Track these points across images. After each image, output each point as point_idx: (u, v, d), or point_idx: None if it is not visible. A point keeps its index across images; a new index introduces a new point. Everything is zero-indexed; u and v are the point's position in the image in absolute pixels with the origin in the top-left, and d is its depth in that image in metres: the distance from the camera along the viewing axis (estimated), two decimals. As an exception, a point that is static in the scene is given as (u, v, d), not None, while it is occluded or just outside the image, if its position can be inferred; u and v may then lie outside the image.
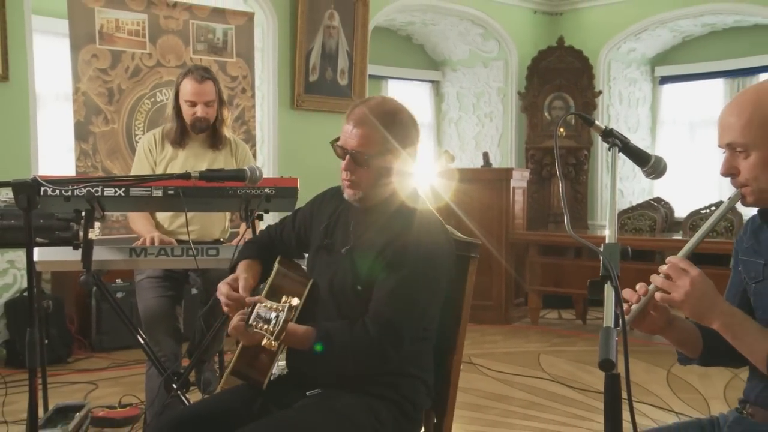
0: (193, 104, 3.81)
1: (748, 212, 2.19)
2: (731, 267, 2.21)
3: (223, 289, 2.45)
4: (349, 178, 2.43)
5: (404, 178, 2.47)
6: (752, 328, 1.91)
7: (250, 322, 2.19)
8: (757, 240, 2.08)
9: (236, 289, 2.46)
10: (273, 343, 2.13)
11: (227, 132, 4.00)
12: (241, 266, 2.60)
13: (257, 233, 3.26)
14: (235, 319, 2.27)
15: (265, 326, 2.15)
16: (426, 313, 2.37)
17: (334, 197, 2.61)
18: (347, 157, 2.40)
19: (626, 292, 1.92)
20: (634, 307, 1.90)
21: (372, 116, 2.39)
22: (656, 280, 1.89)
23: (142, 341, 3.54)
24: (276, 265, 2.56)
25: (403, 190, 2.48)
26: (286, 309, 2.13)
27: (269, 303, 2.20)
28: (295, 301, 2.18)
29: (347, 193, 2.46)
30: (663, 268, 1.89)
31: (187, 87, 3.80)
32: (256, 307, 2.21)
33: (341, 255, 2.46)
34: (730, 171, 1.95)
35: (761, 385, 2.02)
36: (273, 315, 2.15)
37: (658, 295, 1.89)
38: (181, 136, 3.89)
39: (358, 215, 2.51)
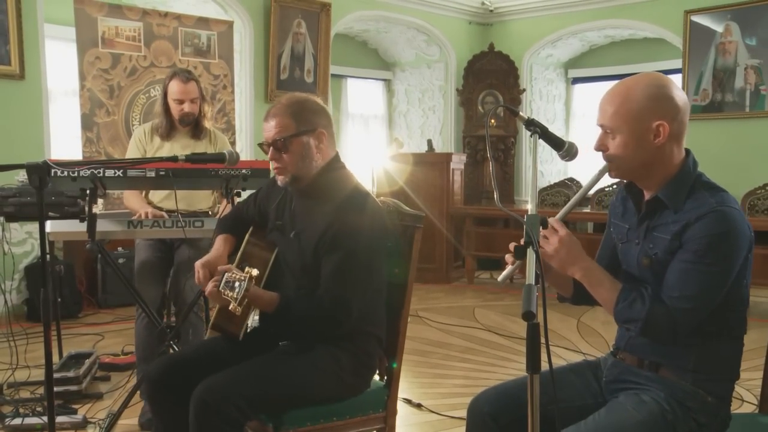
0: (181, 102, 3.75)
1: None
2: (607, 228, 2.21)
3: (200, 267, 2.40)
4: (276, 166, 2.38)
5: (325, 153, 2.40)
6: (605, 281, 1.94)
7: (220, 288, 2.18)
8: (624, 207, 2.10)
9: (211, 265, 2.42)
10: (238, 308, 2.13)
11: (208, 124, 3.93)
12: (218, 240, 2.56)
13: (230, 209, 3.21)
14: (210, 285, 2.24)
15: (230, 293, 2.14)
16: (368, 283, 2.32)
17: None
18: (270, 148, 2.36)
19: (511, 247, 1.89)
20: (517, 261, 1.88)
21: (282, 107, 2.37)
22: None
23: (138, 299, 3.50)
24: (247, 236, 2.52)
25: (330, 168, 2.41)
26: (247, 279, 2.13)
27: (235, 272, 2.18)
28: (255, 272, 2.17)
29: (279, 180, 2.40)
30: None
31: (174, 87, 3.73)
32: (225, 275, 2.19)
33: (290, 238, 2.41)
34: (600, 147, 1.96)
35: (627, 334, 2.04)
36: (237, 284, 2.14)
37: None
38: (169, 129, 3.81)
39: (299, 199, 2.44)
